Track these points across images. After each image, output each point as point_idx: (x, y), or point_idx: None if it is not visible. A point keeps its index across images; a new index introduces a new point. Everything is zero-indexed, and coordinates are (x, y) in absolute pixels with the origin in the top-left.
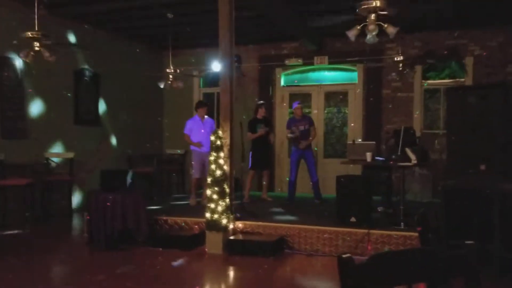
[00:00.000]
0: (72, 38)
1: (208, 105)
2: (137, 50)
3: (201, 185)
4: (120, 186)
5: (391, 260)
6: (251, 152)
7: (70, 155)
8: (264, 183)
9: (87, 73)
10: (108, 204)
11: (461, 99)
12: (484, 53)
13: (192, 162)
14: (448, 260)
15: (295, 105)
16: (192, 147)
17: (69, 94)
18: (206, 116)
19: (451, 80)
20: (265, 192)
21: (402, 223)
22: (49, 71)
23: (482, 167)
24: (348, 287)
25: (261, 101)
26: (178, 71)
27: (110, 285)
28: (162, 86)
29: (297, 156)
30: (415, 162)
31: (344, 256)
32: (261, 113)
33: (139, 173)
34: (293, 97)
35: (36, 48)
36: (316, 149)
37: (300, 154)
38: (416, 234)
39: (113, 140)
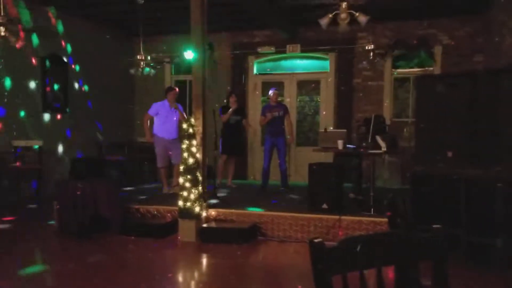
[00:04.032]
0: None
1: (176, 89)
2: (107, 36)
3: (171, 173)
4: (91, 174)
5: (360, 244)
6: (221, 139)
7: (39, 143)
8: (230, 170)
9: (55, 59)
10: (78, 192)
11: (430, 87)
12: (452, 43)
13: (156, 150)
14: (417, 243)
15: (272, 90)
16: (155, 132)
17: (36, 81)
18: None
19: (420, 69)
20: (230, 178)
21: (372, 209)
22: (15, 57)
23: (450, 154)
24: (320, 271)
25: (231, 91)
26: (149, 57)
27: (81, 274)
28: (132, 72)
29: (269, 144)
30: (385, 149)
31: (315, 240)
32: (231, 102)
33: (110, 161)
34: (265, 85)
35: (2, 34)
36: (288, 136)
37: (273, 142)
38: (385, 219)
39: (83, 128)
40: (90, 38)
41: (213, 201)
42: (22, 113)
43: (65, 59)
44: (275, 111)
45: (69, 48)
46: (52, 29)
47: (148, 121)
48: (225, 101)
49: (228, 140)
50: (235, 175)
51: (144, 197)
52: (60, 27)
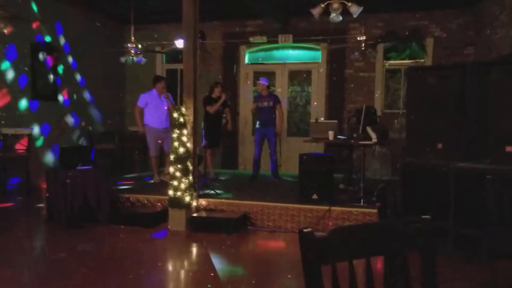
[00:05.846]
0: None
1: (166, 79)
2: (98, 23)
3: (162, 162)
4: (80, 163)
5: (350, 234)
6: (203, 130)
7: (27, 131)
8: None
9: (44, 46)
10: (67, 181)
11: (421, 79)
12: (444, 35)
13: (147, 140)
14: (405, 233)
15: (259, 81)
16: (146, 122)
17: (26, 68)
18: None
19: (411, 60)
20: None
21: (362, 200)
22: (4, 44)
23: (439, 146)
24: (309, 260)
25: (217, 81)
26: (140, 46)
27: (71, 263)
28: (123, 61)
29: (259, 134)
30: (376, 140)
31: (305, 230)
32: (216, 93)
33: (100, 150)
34: (257, 75)
35: None
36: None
37: (263, 133)
38: (375, 210)
39: (73, 116)
40: (81, 25)
41: (204, 191)
42: (11, 101)
43: (55, 47)
44: (264, 101)
45: (59, 35)
46: (39, 16)
47: (139, 113)
48: (211, 95)
49: (209, 132)
50: (225, 164)
51: (134, 186)
52: (51, 14)
